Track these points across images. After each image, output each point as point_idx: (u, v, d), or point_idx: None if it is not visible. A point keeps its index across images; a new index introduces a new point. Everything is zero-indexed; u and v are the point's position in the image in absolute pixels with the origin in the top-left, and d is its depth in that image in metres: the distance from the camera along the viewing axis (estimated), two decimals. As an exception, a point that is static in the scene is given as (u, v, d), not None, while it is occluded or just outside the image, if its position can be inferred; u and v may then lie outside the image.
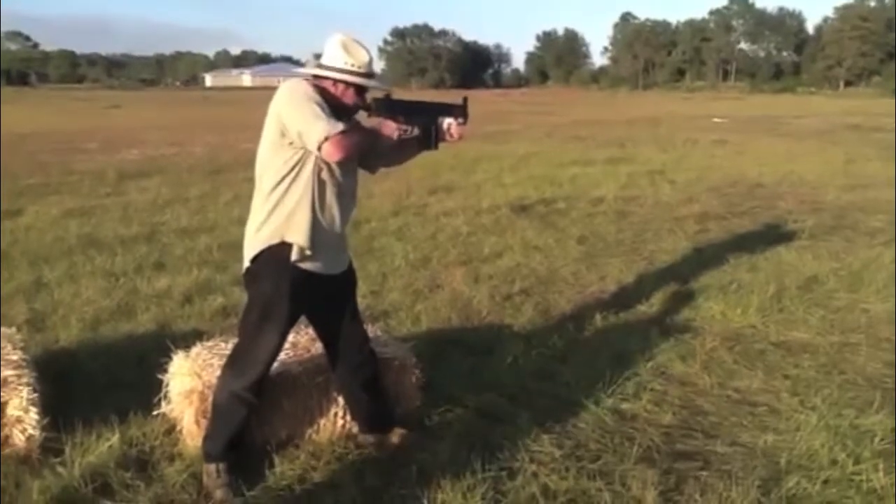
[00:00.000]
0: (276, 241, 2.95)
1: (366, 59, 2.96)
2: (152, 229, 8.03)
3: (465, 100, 3.13)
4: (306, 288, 3.01)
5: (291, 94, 2.86)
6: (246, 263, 3.05)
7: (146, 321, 5.09)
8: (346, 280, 3.24)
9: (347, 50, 2.93)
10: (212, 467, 3.09)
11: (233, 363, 3.10)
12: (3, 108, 28.43)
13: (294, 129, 2.83)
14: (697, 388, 4.11)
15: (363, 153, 3.02)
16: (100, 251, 6.92)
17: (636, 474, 3.19)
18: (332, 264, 3.09)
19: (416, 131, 3.02)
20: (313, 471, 3.24)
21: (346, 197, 3.07)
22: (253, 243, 3.01)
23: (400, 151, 3.17)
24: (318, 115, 2.78)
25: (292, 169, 2.91)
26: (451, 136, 3.08)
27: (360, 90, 2.99)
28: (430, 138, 3.05)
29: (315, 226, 2.95)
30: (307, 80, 2.96)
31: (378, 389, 3.44)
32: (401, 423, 3.50)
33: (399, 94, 3.15)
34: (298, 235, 2.93)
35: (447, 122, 3.07)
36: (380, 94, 3.04)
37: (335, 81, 2.94)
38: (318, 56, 3.01)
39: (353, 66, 2.92)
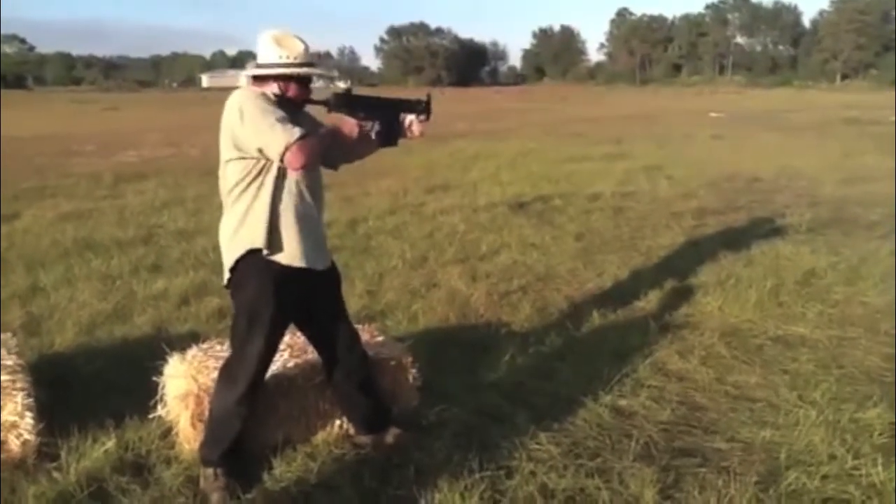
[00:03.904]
0: (250, 246, 2.92)
1: (300, 48, 2.92)
2: (149, 231, 8.02)
3: (429, 96, 3.09)
4: (291, 286, 2.98)
5: (242, 111, 2.81)
6: (226, 273, 3.03)
7: (142, 324, 5.08)
8: (330, 278, 3.20)
9: (280, 44, 2.90)
10: (209, 471, 3.07)
11: (226, 373, 3.08)
12: (1, 112, 28.37)
13: (253, 146, 2.80)
14: (696, 383, 4.10)
15: (323, 154, 2.98)
16: (96, 254, 6.91)
17: (634, 472, 3.18)
18: (313, 258, 3.03)
19: (376, 127, 2.97)
20: (310, 472, 3.22)
21: (317, 188, 3.06)
22: (230, 252, 2.98)
23: (360, 147, 3.13)
24: (272, 126, 2.74)
25: (256, 176, 2.89)
26: (411, 132, 3.04)
27: (303, 82, 2.95)
28: (391, 135, 3.01)
29: (290, 225, 2.93)
30: (251, 85, 2.93)
31: (373, 390, 3.42)
32: (398, 422, 3.48)
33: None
34: (273, 239, 2.91)
35: (409, 118, 3.03)
36: (340, 90, 2.99)
37: (274, 79, 2.90)
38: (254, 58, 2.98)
39: (288, 58, 2.89)
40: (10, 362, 3.44)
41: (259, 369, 3.03)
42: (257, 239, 2.90)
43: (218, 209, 9.19)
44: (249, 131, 2.79)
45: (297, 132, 2.74)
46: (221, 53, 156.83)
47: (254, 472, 3.18)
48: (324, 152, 2.96)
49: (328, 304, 3.21)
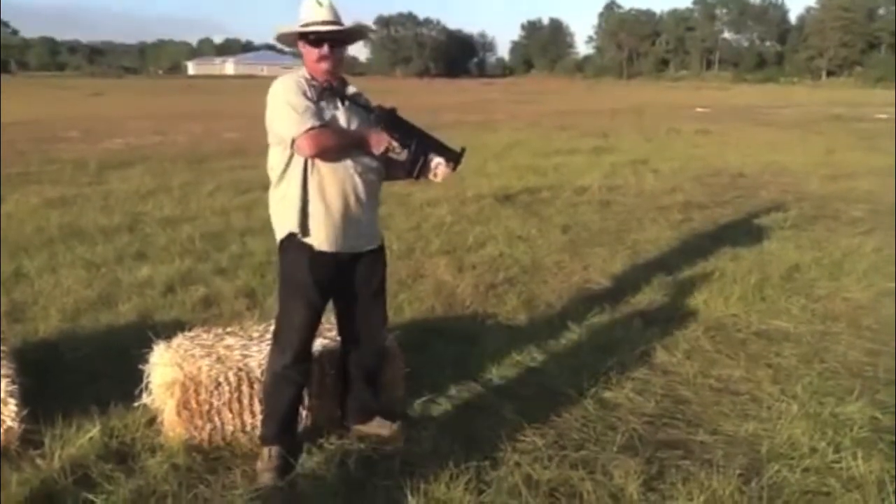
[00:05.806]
0: (287, 230, 3.04)
1: (322, 8, 2.99)
2: (134, 219, 7.97)
3: (463, 150, 3.15)
4: (326, 264, 3.07)
5: (273, 94, 2.97)
6: (277, 242, 3.15)
7: (127, 311, 5.05)
8: (368, 261, 3.21)
9: (307, 6, 3.02)
10: (265, 451, 3.13)
11: (274, 342, 3.18)
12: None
13: (274, 130, 2.97)
14: (680, 376, 4.13)
15: (341, 150, 3.00)
16: (81, 241, 6.86)
17: (618, 463, 3.20)
18: (344, 243, 3.08)
19: (404, 154, 3.04)
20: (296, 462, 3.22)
21: (366, 176, 3.07)
22: (275, 228, 3.12)
23: (391, 171, 3.20)
24: (288, 115, 2.89)
25: (289, 163, 2.99)
26: (434, 175, 3.10)
27: (330, 44, 2.99)
28: (415, 167, 3.06)
29: (317, 212, 3.00)
30: (300, 47, 3.05)
31: (376, 383, 3.47)
32: (384, 413, 3.49)
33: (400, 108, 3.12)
34: (304, 225, 3.01)
35: (437, 160, 3.08)
36: (386, 106, 3.05)
37: (304, 43, 3.00)
38: None
39: (312, 20, 2.99)
40: (-7, 349, 3.42)
41: (302, 336, 3.12)
42: (291, 224, 3.03)
43: (205, 196, 9.12)
44: (271, 114, 2.97)
45: (306, 124, 2.86)
46: (208, 41, 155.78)
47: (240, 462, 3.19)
48: (339, 149, 2.99)
49: (362, 285, 3.23)
